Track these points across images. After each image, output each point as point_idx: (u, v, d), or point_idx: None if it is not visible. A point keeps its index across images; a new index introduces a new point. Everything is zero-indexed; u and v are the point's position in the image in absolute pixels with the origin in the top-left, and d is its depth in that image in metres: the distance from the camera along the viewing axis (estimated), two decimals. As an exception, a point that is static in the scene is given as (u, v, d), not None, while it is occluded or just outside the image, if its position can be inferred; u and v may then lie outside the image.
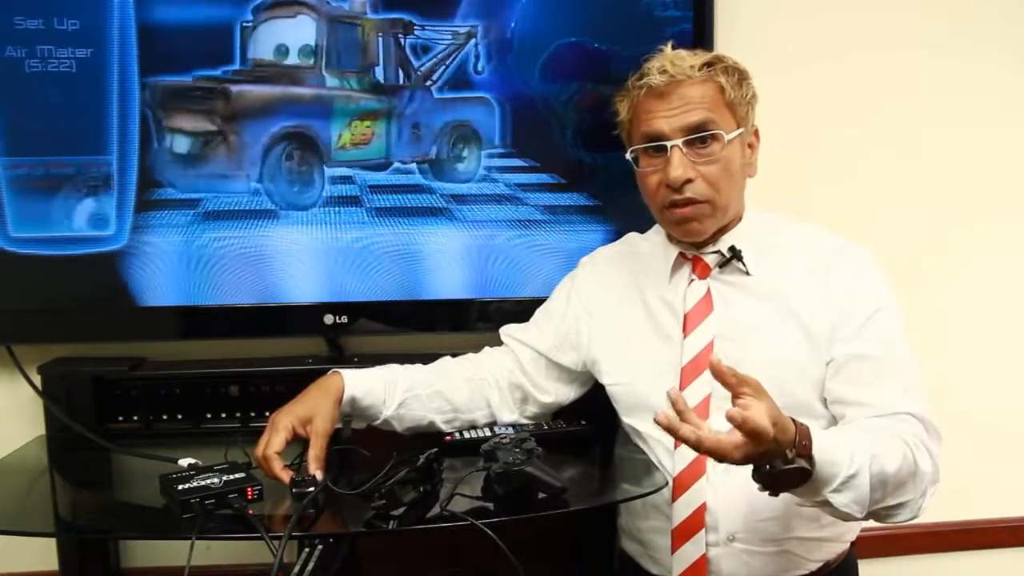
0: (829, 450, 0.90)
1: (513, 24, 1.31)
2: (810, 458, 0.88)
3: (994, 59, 1.52)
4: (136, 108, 1.27)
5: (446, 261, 1.35)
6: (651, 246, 1.21)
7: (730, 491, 1.06)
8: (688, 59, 1.07)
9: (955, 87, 1.51)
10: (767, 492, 0.91)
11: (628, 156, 1.11)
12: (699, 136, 1.05)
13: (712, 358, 0.88)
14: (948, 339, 1.52)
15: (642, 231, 1.26)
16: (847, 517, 0.95)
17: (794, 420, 0.89)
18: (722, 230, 1.12)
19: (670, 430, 0.85)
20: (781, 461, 0.87)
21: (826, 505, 0.93)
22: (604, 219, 1.37)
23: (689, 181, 1.05)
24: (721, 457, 0.86)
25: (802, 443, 0.88)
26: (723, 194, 1.07)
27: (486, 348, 1.24)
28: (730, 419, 0.83)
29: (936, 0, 1.49)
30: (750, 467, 1.04)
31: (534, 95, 1.33)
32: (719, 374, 0.87)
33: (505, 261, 1.37)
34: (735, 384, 0.87)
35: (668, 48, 1.10)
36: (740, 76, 1.09)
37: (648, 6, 1.33)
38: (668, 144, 1.05)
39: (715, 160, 1.05)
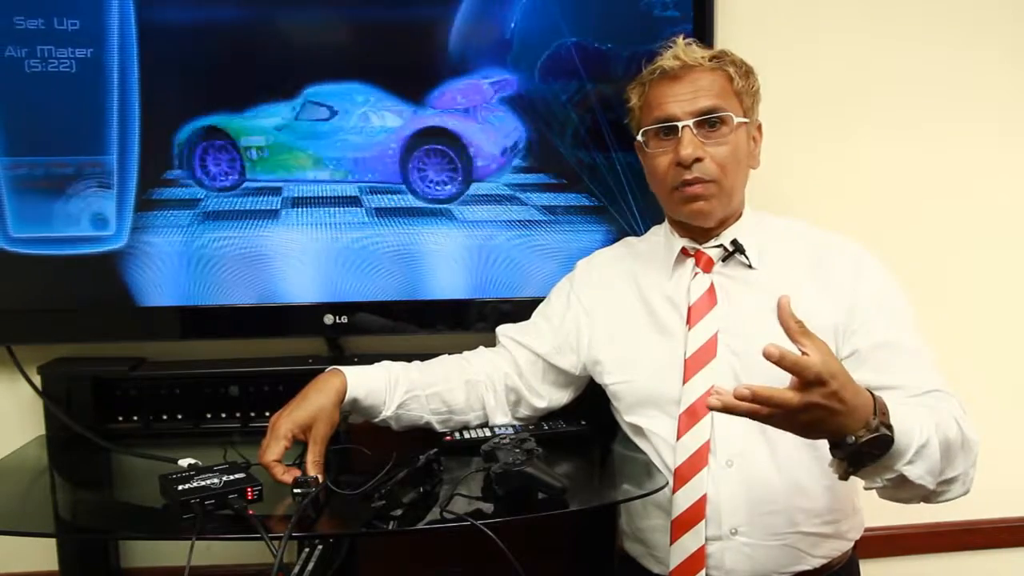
0: (901, 419, 0.88)
1: (513, 24, 1.31)
2: (890, 427, 0.87)
3: (997, 58, 1.51)
4: (136, 107, 1.27)
5: (446, 261, 1.35)
6: (650, 246, 1.22)
7: (731, 484, 1.07)
8: (699, 51, 1.12)
9: (958, 87, 1.51)
10: (839, 475, 0.89)
11: (639, 138, 1.14)
12: (709, 118, 1.08)
13: (782, 298, 0.83)
14: (947, 339, 1.52)
15: (640, 234, 1.27)
16: (916, 493, 0.93)
17: (869, 390, 0.88)
18: (724, 224, 1.14)
19: (725, 407, 0.82)
20: (865, 431, 0.85)
21: (898, 480, 0.90)
22: (604, 219, 1.37)
23: (699, 160, 1.07)
24: (784, 414, 0.82)
25: (882, 412, 0.87)
26: (730, 177, 1.10)
27: (481, 348, 1.24)
28: (768, 355, 0.79)
29: (941, 5, 1.49)
30: (752, 461, 1.07)
31: (534, 95, 1.33)
32: (785, 318, 0.83)
33: (505, 261, 1.37)
34: (798, 332, 0.83)
35: (680, 40, 1.14)
36: (747, 69, 1.13)
37: (648, 6, 1.33)
38: (679, 124, 1.08)
39: (724, 142, 1.09)
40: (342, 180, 1.32)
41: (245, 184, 1.31)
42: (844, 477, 0.91)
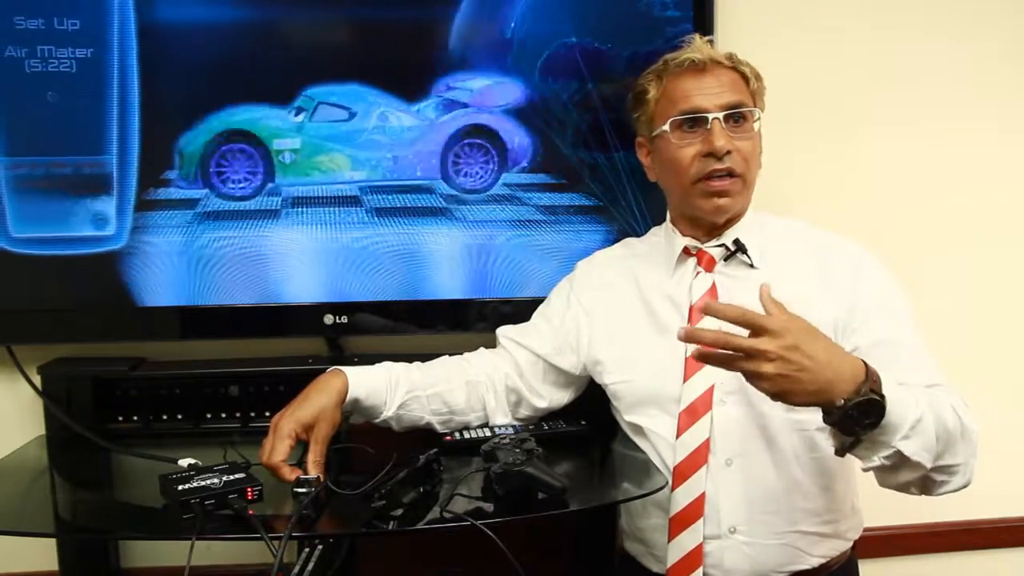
0: (894, 391, 0.90)
1: (513, 24, 1.31)
2: (881, 395, 0.89)
3: (996, 54, 1.51)
4: (136, 107, 1.27)
5: (446, 261, 1.35)
6: (650, 246, 1.22)
7: (731, 483, 1.07)
8: (715, 50, 1.14)
9: (957, 84, 1.51)
10: (836, 449, 0.92)
11: (665, 128, 1.12)
12: (735, 113, 1.10)
13: (763, 287, 0.90)
14: (947, 338, 1.52)
15: (640, 234, 1.27)
16: (914, 475, 0.94)
17: (864, 361, 0.90)
18: (728, 223, 1.14)
19: (691, 337, 0.90)
20: (855, 395, 0.87)
21: (897, 458, 0.92)
22: (604, 219, 1.37)
23: (729, 152, 1.08)
24: (743, 361, 0.87)
25: (873, 379, 0.89)
26: (751, 173, 1.12)
27: (481, 349, 1.24)
28: (699, 308, 0.88)
29: (940, 4, 1.49)
30: (751, 460, 1.07)
31: (534, 95, 1.33)
32: (763, 299, 0.90)
33: (505, 261, 1.37)
34: (767, 301, 0.90)
35: (698, 37, 1.15)
36: (756, 73, 1.15)
37: (648, 6, 1.33)
38: (709, 116, 1.09)
39: (749, 137, 1.11)
40: (380, 180, 1.32)
41: (271, 189, 1.31)
42: (841, 452, 0.92)
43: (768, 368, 0.87)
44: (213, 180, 1.30)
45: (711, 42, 1.16)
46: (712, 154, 1.08)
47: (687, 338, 0.90)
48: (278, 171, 1.30)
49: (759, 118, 1.12)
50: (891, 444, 0.91)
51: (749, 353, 0.87)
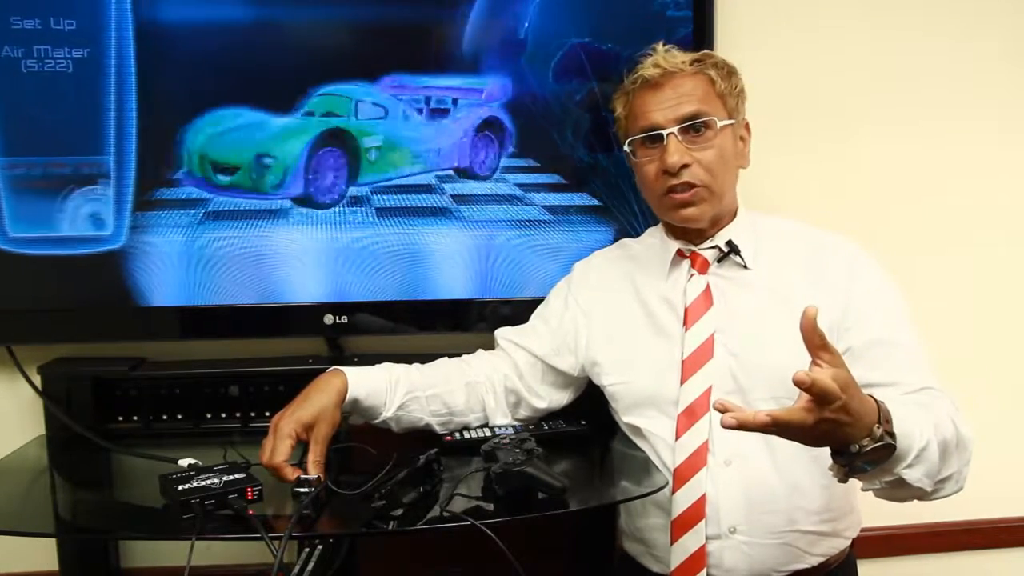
0: (901, 422, 0.89)
1: (527, 25, 1.31)
2: (893, 435, 0.88)
3: (996, 54, 1.51)
4: (133, 107, 1.27)
5: (447, 261, 1.35)
6: (646, 247, 1.23)
7: (730, 483, 1.07)
8: (679, 56, 1.13)
9: (957, 83, 1.51)
10: (838, 479, 0.91)
11: (626, 148, 1.15)
12: (692, 124, 1.09)
13: (809, 309, 0.83)
14: (947, 338, 1.52)
15: (640, 234, 1.27)
16: (912, 494, 0.94)
17: (872, 396, 0.88)
18: (718, 225, 1.14)
19: (741, 425, 0.83)
20: (870, 440, 0.86)
21: (895, 483, 0.91)
22: (606, 219, 1.37)
23: (686, 166, 1.08)
24: (797, 429, 0.83)
25: (886, 419, 0.88)
26: (718, 180, 1.10)
27: (480, 350, 1.24)
28: (798, 382, 0.79)
29: (940, 4, 1.49)
30: (750, 460, 1.07)
31: (536, 95, 1.33)
32: (808, 330, 0.83)
33: (507, 261, 1.37)
34: (818, 346, 0.84)
35: (660, 46, 1.14)
36: (729, 70, 1.13)
37: (649, 6, 1.33)
38: (664, 132, 1.08)
39: (709, 146, 1.09)
40: (424, 171, 1.33)
41: (352, 190, 1.31)
42: (844, 480, 0.92)
43: (814, 432, 0.84)
44: (310, 188, 1.30)
45: (672, 48, 1.13)
46: (667, 171, 1.08)
47: (740, 427, 0.83)
48: (363, 171, 1.31)
49: (723, 125, 1.10)
50: (894, 472, 0.90)
51: (811, 426, 0.83)
